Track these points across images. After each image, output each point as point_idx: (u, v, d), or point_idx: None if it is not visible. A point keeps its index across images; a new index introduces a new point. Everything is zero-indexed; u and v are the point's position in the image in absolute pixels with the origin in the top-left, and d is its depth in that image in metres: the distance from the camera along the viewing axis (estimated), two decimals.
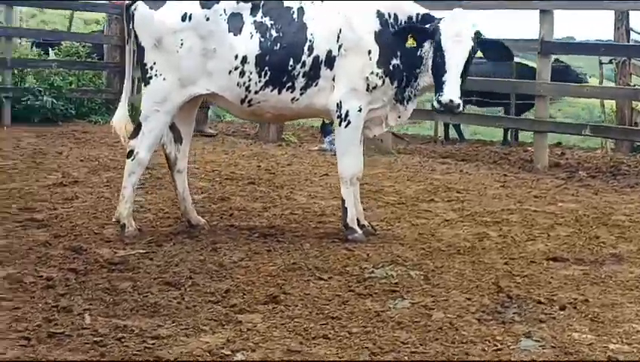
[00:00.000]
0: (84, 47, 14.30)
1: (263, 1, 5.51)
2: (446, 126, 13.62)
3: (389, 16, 5.43)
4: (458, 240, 5.85)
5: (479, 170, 9.65)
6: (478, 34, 5.33)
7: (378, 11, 5.46)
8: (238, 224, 6.13)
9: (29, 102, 11.91)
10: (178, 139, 5.81)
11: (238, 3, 5.48)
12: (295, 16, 5.47)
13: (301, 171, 8.89)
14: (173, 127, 5.79)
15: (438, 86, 5.24)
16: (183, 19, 5.41)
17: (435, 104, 5.25)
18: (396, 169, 9.39)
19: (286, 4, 5.53)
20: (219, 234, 5.73)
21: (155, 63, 5.44)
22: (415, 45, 5.30)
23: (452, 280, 4.83)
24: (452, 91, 5.16)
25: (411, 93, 5.60)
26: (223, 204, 6.85)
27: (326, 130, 10.99)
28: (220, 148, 10.68)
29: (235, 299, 4.32)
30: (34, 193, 6.95)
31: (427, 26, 5.36)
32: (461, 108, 5.24)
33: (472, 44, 5.25)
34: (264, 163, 9.38)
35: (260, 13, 5.47)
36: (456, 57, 5.19)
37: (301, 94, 5.49)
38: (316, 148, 10.81)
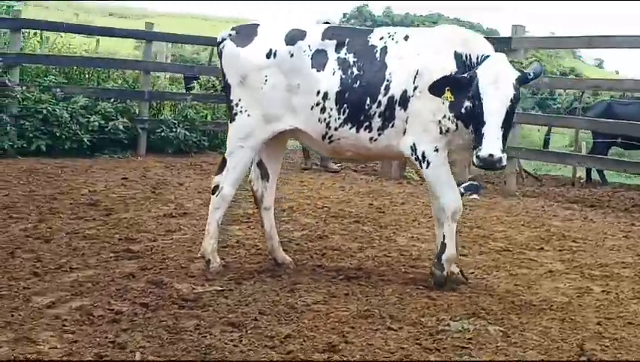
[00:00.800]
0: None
1: (348, 39, 5.43)
2: (588, 168, 12.98)
3: (466, 58, 5.19)
4: (555, 295, 5.48)
5: (606, 217, 9.07)
6: (521, 78, 4.96)
7: (455, 52, 5.23)
8: (327, 264, 6.02)
9: (163, 134, 12.37)
10: (265, 176, 5.80)
11: (323, 40, 5.43)
12: (378, 54, 5.35)
13: (412, 211, 8.68)
14: (260, 164, 5.80)
15: (478, 139, 4.88)
16: (268, 56, 5.42)
17: (474, 159, 4.85)
18: (514, 213, 8.99)
19: (371, 42, 5.42)
20: (303, 274, 5.64)
21: (240, 100, 5.48)
22: (453, 99, 5.01)
23: (533, 339, 4.51)
24: (491, 144, 4.78)
25: None
26: (319, 243, 6.77)
27: None
28: (339, 184, 10.63)
29: (293, 345, 4.21)
30: (140, 224, 7.14)
31: (465, 74, 5.04)
32: (503, 163, 4.80)
33: (514, 90, 4.88)
34: (377, 201, 9.24)
35: (344, 50, 5.40)
36: (495, 106, 4.83)
37: (379, 134, 5.34)
38: None
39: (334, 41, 5.42)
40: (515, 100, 4.87)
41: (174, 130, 12.47)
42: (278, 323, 4.54)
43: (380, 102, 5.30)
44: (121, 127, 11.81)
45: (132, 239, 6.53)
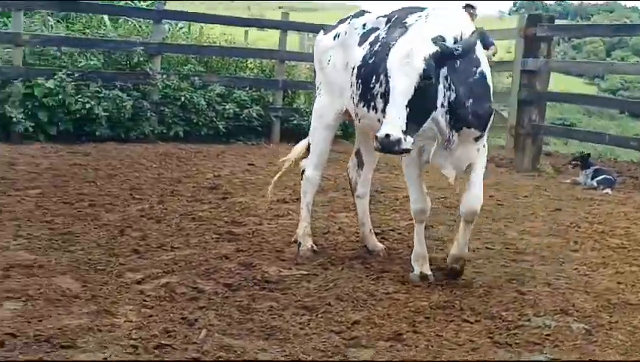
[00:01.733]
0: None
1: (397, 16, 5.19)
2: None
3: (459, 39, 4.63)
4: None
5: None
6: (437, 54, 4.31)
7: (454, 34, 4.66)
8: None
9: (295, 122, 12.59)
10: (360, 165, 5.82)
11: (378, 18, 5.33)
12: (398, 33, 4.87)
13: (533, 204, 8.38)
14: (357, 153, 5.85)
15: None
16: (334, 38, 5.56)
17: (374, 143, 4.36)
18: None
19: (406, 20, 5.02)
20: (394, 263, 5.61)
21: (319, 83, 5.70)
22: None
23: (618, 339, 4.28)
24: (389, 125, 4.18)
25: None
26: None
27: (587, 162, 10.25)
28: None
29: (359, 331, 4.21)
30: (252, 208, 7.33)
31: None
32: (404, 146, 4.18)
33: (424, 65, 4.25)
34: (500, 193, 8.99)
35: (385, 28, 5.23)
36: (397, 83, 4.25)
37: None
38: (568, 181, 10.13)
39: (386, 19, 5.29)
40: (426, 77, 4.27)
41: (307, 118, 12.64)
42: (352, 310, 4.55)
43: (381, 81, 4.92)
44: (254, 114, 12.13)
45: (238, 222, 6.71)
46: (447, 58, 4.38)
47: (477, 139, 4.85)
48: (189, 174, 8.98)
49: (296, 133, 12.72)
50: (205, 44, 13.34)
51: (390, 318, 4.43)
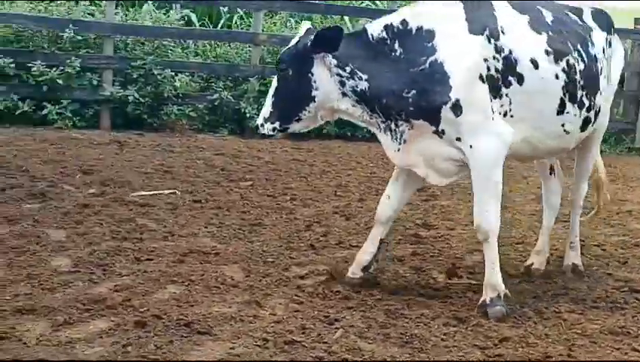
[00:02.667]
0: None
1: None
2: None
3: None
4: None
5: None
6: (290, 51, 4.59)
7: None
8: (621, 274, 5.40)
9: None
10: (552, 172, 5.41)
11: None
12: None
13: None
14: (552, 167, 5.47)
15: None
16: None
17: None
18: None
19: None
20: (582, 281, 5.17)
21: None
22: None
23: None
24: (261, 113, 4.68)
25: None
26: (631, 251, 6.06)
27: None
28: None
29: (506, 349, 3.93)
30: (452, 212, 7.09)
31: None
32: (263, 131, 4.62)
33: (280, 63, 4.61)
34: None
35: None
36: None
37: None
38: None
39: None
40: (282, 69, 4.57)
41: None
42: (508, 326, 4.23)
43: None
44: None
45: (429, 225, 6.53)
46: (310, 50, 4.49)
47: (441, 135, 4.42)
48: None
49: None
50: None
51: (547, 339, 4.07)
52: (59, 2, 11.36)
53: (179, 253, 5.23)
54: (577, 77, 4.67)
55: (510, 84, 4.43)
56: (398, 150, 4.60)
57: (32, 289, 4.33)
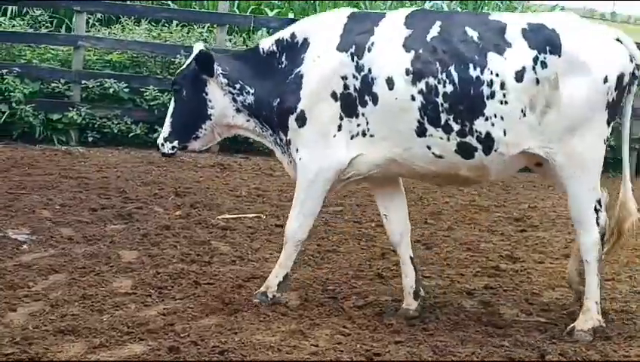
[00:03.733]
0: None
1: None
2: None
3: None
4: None
5: None
6: (182, 72, 4.84)
7: None
8: None
9: None
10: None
11: None
12: None
13: None
14: None
15: None
16: None
17: None
18: None
19: None
20: None
21: None
22: None
23: None
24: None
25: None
26: None
27: None
28: None
29: None
30: (546, 244, 6.73)
31: None
32: (163, 150, 4.82)
33: (179, 80, 4.84)
34: None
35: None
36: None
37: None
38: None
39: None
40: (176, 91, 4.81)
41: None
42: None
43: None
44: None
45: (514, 258, 6.21)
46: (187, 74, 4.78)
47: (288, 144, 4.66)
48: (501, 202, 8.53)
49: None
50: None
51: None
52: (174, 29, 11.73)
53: (241, 277, 5.19)
54: (439, 99, 4.32)
55: (366, 103, 4.42)
56: (290, 162, 4.72)
57: (81, 310, 4.40)
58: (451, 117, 4.32)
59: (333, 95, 4.44)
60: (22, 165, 8.77)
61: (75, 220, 6.48)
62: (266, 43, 4.75)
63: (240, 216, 7.08)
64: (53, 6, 12.14)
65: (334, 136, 4.47)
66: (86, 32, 10.99)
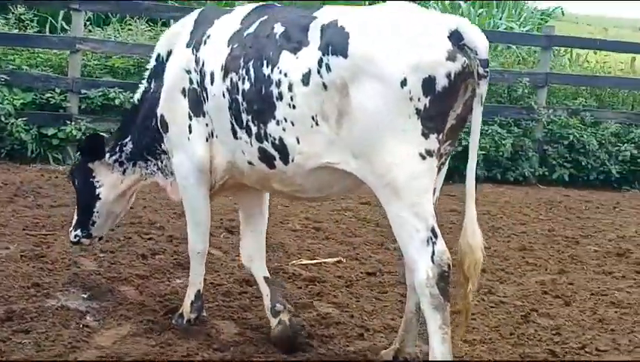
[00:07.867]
0: None
1: None
2: None
3: None
4: None
5: None
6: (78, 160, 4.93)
7: None
8: None
9: None
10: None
11: None
12: None
13: None
14: None
15: None
16: None
17: None
18: None
19: None
20: None
21: None
22: None
23: None
24: None
25: None
26: None
27: None
28: None
29: None
30: None
31: None
32: (72, 239, 4.92)
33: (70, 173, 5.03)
34: None
35: None
36: None
37: None
38: None
39: None
40: (72, 184, 5.01)
41: None
42: None
43: None
44: None
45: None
46: (85, 162, 4.86)
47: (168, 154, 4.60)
48: (585, 232, 7.52)
49: None
50: (600, 75, 11.75)
51: None
52: None
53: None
54: (239, 97, 3.92)
55: (206, 99, 4.14)
56: (172, 183, 4.58)
57: None
58: (250, 117, 3.91)
59: (183, 91, 4.24)
60: (25, 192, 7.39)
61: (130, 274, 5.21)
62: (137, 93, 4.67)
63: (318, 261, 5.89)
64: (50, 5, 10.77)
65: (189, 137, 4.25)
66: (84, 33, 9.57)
